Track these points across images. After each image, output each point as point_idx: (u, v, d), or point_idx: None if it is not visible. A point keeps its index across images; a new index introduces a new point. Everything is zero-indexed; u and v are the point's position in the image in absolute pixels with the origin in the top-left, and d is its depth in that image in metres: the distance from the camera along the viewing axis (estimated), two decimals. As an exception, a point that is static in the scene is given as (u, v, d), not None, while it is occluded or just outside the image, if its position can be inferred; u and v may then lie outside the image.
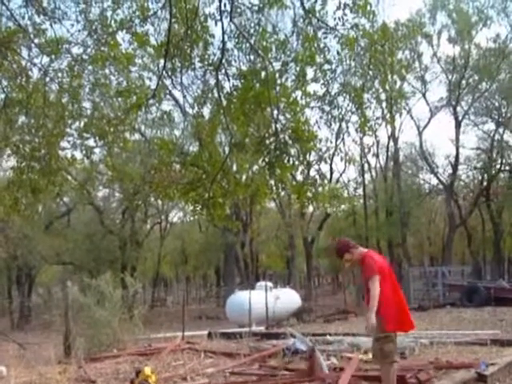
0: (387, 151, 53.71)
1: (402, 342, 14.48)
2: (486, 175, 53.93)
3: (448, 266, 44.63)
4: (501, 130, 51.97)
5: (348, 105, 15.27)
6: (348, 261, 8.56)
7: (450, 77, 49.37)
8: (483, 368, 10.66)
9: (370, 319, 8.05)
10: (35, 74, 14.08)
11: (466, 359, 12.52)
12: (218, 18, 9.77)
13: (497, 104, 50.87)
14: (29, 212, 18.15)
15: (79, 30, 13.63)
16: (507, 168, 54.24)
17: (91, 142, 19.24)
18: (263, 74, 10.65)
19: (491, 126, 52.79)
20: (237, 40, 11.37)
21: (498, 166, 54.25)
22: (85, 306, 18.24)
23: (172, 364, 14.19)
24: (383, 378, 8.61)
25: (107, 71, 15.69)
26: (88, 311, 18.04)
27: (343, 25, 10.82)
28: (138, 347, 17.55)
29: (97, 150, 22.60)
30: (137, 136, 35.39)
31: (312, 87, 18.75)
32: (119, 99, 15.36)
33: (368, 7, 10.85)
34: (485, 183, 53.83)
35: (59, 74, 13.95)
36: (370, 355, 9.34)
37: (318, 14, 10.70)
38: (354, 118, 14.21)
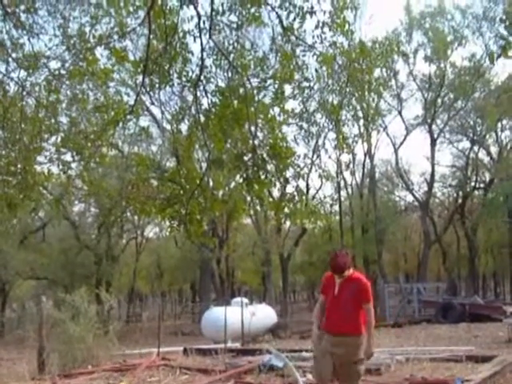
0: (363, 168, 54.02)
1: (377, 359, 14.54)
2: (460, 193, 54.43)
3: (423, 283, 44.87)
4: (476, 148, 52.62)
5: (325, 122, 15.40)
6: (343, 277, 8.37)
7: (425, 95, 49.83)
8: (458, 384, 10.72)
9: (372, 346, 8.37)
10: (12, 88, 14.02)
11: (441, 376, 12.59)
12: (197, 34, 9.78)
13: (472, 122, 51.43)
14: (4, 227, 18.04)
15: (57, 45, 13.64)
16: (482, 186, 54.82)
17: (68, 157, 19.19)
18: (241, 90, 10.69)
19: (466, 144, 53.55)
20: (215, 57, 11.40)
21: (473, 184, 54.88)
22: (59, 321, 18.09)
23: (147, 380, 14.13)
24: None
25: (85, 86, 15.68)
26: (62, 327, 17.89)
27: (321, 43, 10.89)
28: (112, 363, 17.44)
29: (73, 165, 22.46)
30: (114, 151, 35.37)
31: (290, 104, 18.89)
32: (97, 114, 15.34)
33: (346, 26, 10.96)
34: (460, 201, 54.34)
35: (36, 89, 13.88)
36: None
37: (296, 32, 10.74)
38: (331, 134, 14.32)
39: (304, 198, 12.62)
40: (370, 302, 8.33)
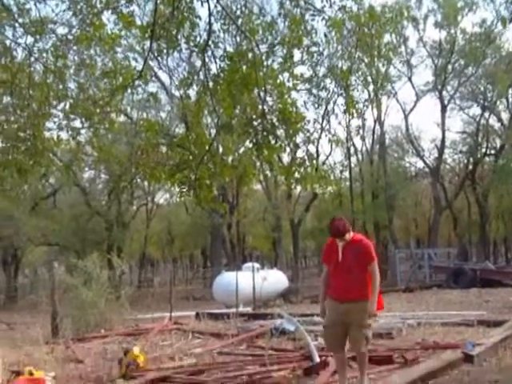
0: (373, 134, 53.78)
1: (389, 323, 14.66)
2: (471, 159, 54.17)
3: (434, 248, 44.86)
4: (486, 115, 52.24)
5: (335, 87, 15.32)
6: (344, 240, 8.27)
7: (436, 61, 49.42)
8: (470, 348, 10.77)
9: (375, 304, 8.19)
10: (20, 54, 14.01)
11: (453, 340, 12.68)
12: (205, -1, 9.73)
13: (482, 88, 51.03)
14: (14, 193, 18.13)
15: (64, 10, 13.58)
16: (492, 152, 54.54)
17: (77, 123, 19.20)
18: (250, 55, 10.63)
19: (477, 110, 53.18)
20: (223, 21, 11.32)
21: (484, 150, 54.56)
22: (71, 286, 18.26)
23: (160, 344, 14.28)
24: (364, 363, 8.57)
25: (92, 52, 15.66)
26: (75, 292, 18.07)
27: (330, 7, 10.81)
28: (125, 327, 17.63)
29: (83, 131, 22.47)
30: (123, 117, 35.37)
31: (299, 69, 18.76)
32: (105, 80, 15.30)
33: (355, -11, 10.88)
34: (470, 167, 54.07)
35: (44, 55, 13.83)
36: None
37: (304, -4, 10.69)
38: (341, 100, 14.25)
39: (314, 162, 12.61)
40: (374, 261, 8.26)
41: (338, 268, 8.32)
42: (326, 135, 15.23)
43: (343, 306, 8.18)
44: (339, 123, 44.16)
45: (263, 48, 12.96)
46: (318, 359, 10.37)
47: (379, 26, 11.86)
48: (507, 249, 73.67)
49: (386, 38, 20.15)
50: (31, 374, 9.74)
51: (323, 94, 14.04)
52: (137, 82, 14.92)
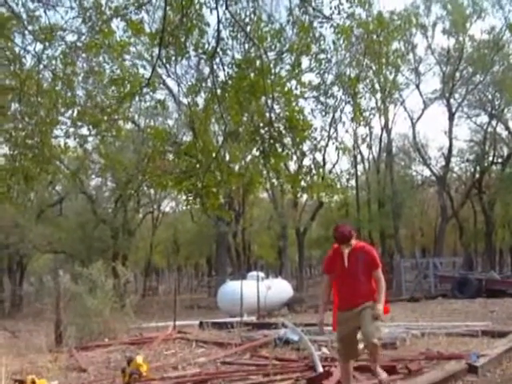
0: (380, 142, 53.76)
1: (393, 333, 14.56)
2: (478, 167, 54.04)
3: (440, 258, 44.75)
4: (494, 123, 52.12)
5: (342, 94, 15.27)
6: (350, 247, 8.20)
7: (443, 69, 49.38)
8: (474, 359, 10.69)
9: (382, 304, 8.08)
10: (29, 61, 14.03)
11: (457, 350, 12.57)
12: (214, 6, 9.70)
13: (490, 96, 50.93)
14: (21, 200, 18.12)
15: (73, 17, 13.53)
16: (500, 160, 54.41)
17: (84, 131, 19.21)
18: (258, 63, 10.61)
19: (484, 118, 53.03)
20: (232, 29, 11.31)
21: (491, 159, 54.46)
22: (76, 294, 18.24)
23: (163, 353, 14.22)
24: (377, 353, 8.46)
25: (101, 59, 15.66)
26: (79, 300, 18.03)
27: (339, 14, 10.80)
28: (129, 336, 17.59)
29: (90, 139, 22.50)
30: (130, 125, 35.39)
31: (307, 77, 18.74)
32: (113, 87, 15.30)
33: (363, -3, 10.85)
34: (477, 175, 53.96)
35: (53, 62, 13.85)
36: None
37: (313, 3, 10.65)
38: (348, 108, 14.20)
39: (321, 170, 12.56)
40: (379, 267, 8.26)
41: (344, 276, 8.27)
42: (333, 143, 15.23)
43: (352, 311, 8.18)
44: (346, 131, 44.12)
45: (271, 55, 12.94)
46: (321, 369, 10.30)
47: (387, 34, 11.82)
48: (513, 258, 73.51)
49: (395, 45, 20.16)
50: (34, 382, 9.71)
51: (331, 101, 14.04)
52: (145, 90, 14.92)
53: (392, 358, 11.61)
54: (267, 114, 10.80)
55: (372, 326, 8.05)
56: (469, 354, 11.15)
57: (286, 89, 11.95)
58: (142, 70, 20.99)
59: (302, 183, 11.51)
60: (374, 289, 8.23)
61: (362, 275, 8.18)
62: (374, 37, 11.17)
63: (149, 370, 10.95)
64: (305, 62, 13.99)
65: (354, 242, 8.26)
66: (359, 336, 8.43)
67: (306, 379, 9.92)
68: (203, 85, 12.91)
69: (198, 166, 11.67)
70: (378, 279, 8.19)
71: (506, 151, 53.53)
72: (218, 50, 10.32)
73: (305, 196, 34.89)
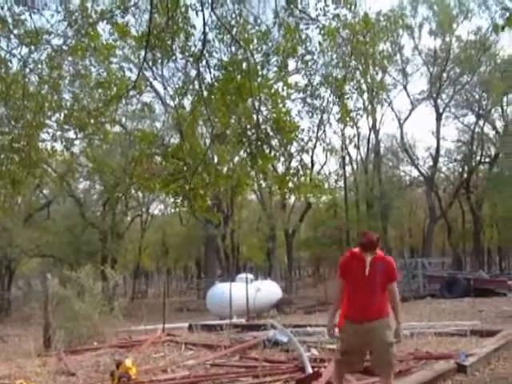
0: (368, 143, 54.05)
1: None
2: (466, 167, 54.29)
3: (428, 258, 44.86)
4: (481, 123, 52.39)
5: (330, 96, 15.28)
6: (374, 255, 7.71)
7: (431, 69, 49.64)
8: (463, 358, 10.72)
9: (401, 326, 7.87)
10: (14, 64, 13.96)
11: (446, 350, 12.60)
12: (199, 8, 9.71)
13: (477, 96, 51.20)
14: (8, 204, 18.04)
15: (59, 21, 13.53)
16: (487, 160, 54.65)
17: (71, 134, 19.15)
18: (244, 65, 10.60)
19: (472, 118, 53.40)
20: (218, 31, 11.31)
21: (478, 158, 54.68)
22: (65, 298, 18.15)
23: (152, 356, 14.16)
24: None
25: (87, 62, 15.62)
26: (68, 304, 17.95)
27: (325, 15, 10.80)
28: (118, 339, 17.52)
29: (77, 142, 22.43)
30: (117, 128, 35.34)
31: (294, 78, 18.74)
32: (99, 90, 15.27)
33: (349, -2, 10.85)
34: (465, 175, 54.20)
35: (39, 65, 13.83)
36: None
37: (299, 5, 10.66)
38: (336, 109, 14.21)
39: (308, 172, 12.57)
40: (396, 280, 7.85)
41: (362, 284, 7.69)
42: (321, 144, 15.25)
43: (364, 326, 7.61)
44: (334, 132, 44.23)
45: (258, 57, 12.93)
46: (310, 370, 10.29)
47: (373, 35, 11.84)
48: (501, 258, 73.81)
49: (381, 46, 20.19)
50: (22, 386, 9.65)
51: (318, 102, 14.05)
52: (131, 93, 14.90)
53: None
54: (254, 116, 10.79)
55: (387, 355, 7.66)
56: (458, 354, 11.19)
57: (272, 90, 11.96)
58: (128, 73, 21.00)
59: (290, 184, 11.53)
60: (386, 301, 7.79)
61: (379, 286, 7.70)
62: (361, 38, 11.20)
63: (138, 373, 10.91)
64: (292, 63, 14.05)
65: (378, 250, 7.82)
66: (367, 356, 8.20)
67: (296, 380, 9.90)
68: (190, 87, 12.90)
69: (185, 168, 11.64)
70: (393, 293, 7.77)
71: (493, 151, 53.82)
72: (205, 52, 10.31)
73: (293, 197, 34.81)
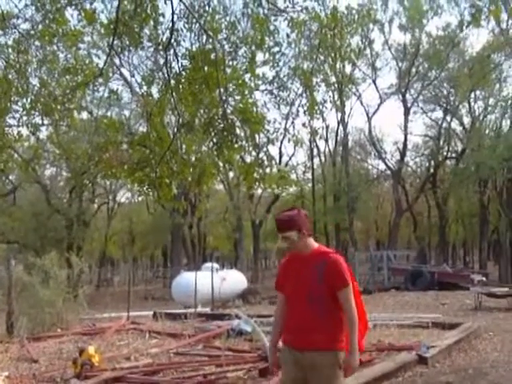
0: (336, 136, 54.22)
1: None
2: (432, 162, 54.70)
3: (394, 251, 45.16)
4: (448, 118, 52.77)
5: (297, 88, 15.36)
6: (288, 241, 5.29)
7: (400, 64, 49.90)
8: (424, 350, 10.90)
9: (356, 354, 5.08)
10: (-19, 49, 13.83)
11: (408, 341, 12.77)
12: (168, -3, 9.69)
13: (445, 92, 51.56)
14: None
15: (26, 5, 13.40)
16: (453, 155, 55.10)
17: (38, 120, 19.01)
18: (212, 55, 10.61)
19: (439, 113, 53.86)
20: (186, 20, 11.30)
21: (445, 154, 55.10)
22: (29, 285, 18.05)
23: (116, 344, 14.19)
24: None
25: (55, 48, 15.49)
26: (32, 290, 17.86)
27: (293, 7, 10.83)
28: (82, 327, 17.50)
29: (43, 128, 22.28)
30: (85, 115, 35.13)
31: (263, 70, 18.76)
32: (67, 77, 15.17)
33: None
34: (431, 170, 54.57)
35: (6, 50, 13.70)
36: None
37: (268, -4, 10.71)
38: (305, 101, 14.28)
39: (273, 163, 12.64)
40: (347, 286, 5.13)
41: (293, 296, 5.32)
42: (287, 136, 15.34)
43: (305, 356, 5.13)
44: (303, 125, 44.40)
45: (226, 47, 12.93)
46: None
47: (341, 28, 11.90)
48: (465, 252, 74.73)
49: (351, 40, 20.32)
50: (-16, 372, 9.62)
51: (284, 94, 14.12)
52: (100, 80, 14.83)
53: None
54: (221, 106, 10.82)
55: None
56: (419, 346, 11.36)
57: (240, 81, 11.99)
58: (96, 60, 20.88)
59: (255, 175, 11.58)
60: (338, 322, 5.19)
61: (320, 297, 5.13)
62: (328, 30, 11.26)
63: (101, 360, 10.92)
64: (260, 55, 14.08)
65: (299, 241, 5.31)
66: None
67: (259, 370, 9.99)
68: (158, 75, 12.89)
69: (151, 156, 11.64)
70: (345, 308, 5.12)
71: (460, 146, 54.21)
72: (173, 41, 10.30)
73: (260, 189, 34.91)
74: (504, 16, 35.23)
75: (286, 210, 5.63)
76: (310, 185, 55.81)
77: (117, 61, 28.60)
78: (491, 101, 49.78)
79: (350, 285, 5.19)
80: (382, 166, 56.43)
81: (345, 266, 5.23)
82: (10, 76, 13.95)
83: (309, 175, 55.05)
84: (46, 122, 18.94)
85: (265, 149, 12.73)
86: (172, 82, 10.77)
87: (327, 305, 5.12)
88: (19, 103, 16.56)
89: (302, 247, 5.33)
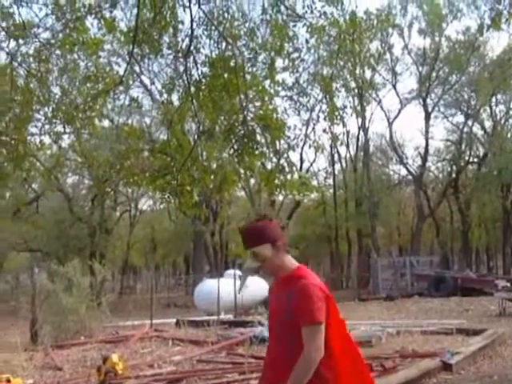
0: (357, 141, 54.08)
1: (369, 331, 14.65)
2: (454, 167, 54.36)
3: (416, 256, 44.90)
4: (470, 123, 52.43)
5: (317, 93, 15.34)
6: (260, 258, 4.14)
7: (420, 69, 49.69)
8: (448, 357, 10.81)
9: None
10: (2, 58, 13.99)
11: (432, 348, 12.69)
12: (187, 4, 9.73)
13: (466, 96, 51.24)
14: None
15: (47, 15, 13.51)
16: (475, 160, 54.75)
17: (59, 128, 19.16)
18: (232, 61, 10.63)
19: (460, 118, 53.42)
20: (205, 27, 11.32)
21: (467, 158, 54.77)
22: (52, 293, 18.16)
23: (140, 351, 14.23)
24: None
25: (75, 56, 15.61)
26: (55, 298, 17.96)
27: (312, 13, 10.84)
28: (105, 334, 17.56)
29: (65, 136, 22.43)
30: (106, 123, 35.29)
31: (282, 76, 18.76)
32: (87, 85, 15.26)
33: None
34: (453, 175, 54.25)
35: (27, 59, 13.81)
36: None
37: (286, 2, 10.70)
38: (324, 106, 14.27)
39: (294, 169, 12.63)
40: (311, 323, 3.89)
41: (270, 329, 4.47)
42: (307, 142, 15.33)
43: None
44: (324, 130, 44.33)
45: (245, 54, 12.95)
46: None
47: (360, 33, 11.88)
48: (489, 257, 74.04)
49: (371, 45, 20.31)
50: (9, 381, 9.66)
51: (304, 100, 14.13)
52: (120, 88, 14.91)
53: (367, 356, 11.69)
54: (241, 113, 10.83)
55: None
56: (443, 352, 11.27)
57: (260, 87, 12.00)
58: (116, 68, 20.98)
59: (276, 181, 11.57)
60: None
61: (286, 332, 4.08)
62: (347, 36, 11.23)
63: (125, 368, 10.94)
64: (280, 61, 14.09)
65: (273, 259, 4.15)
66: None
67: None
68: (178, 83, 12.92)
69: (172, 164, 11.67)
70: (304, 348, 3.89)
71: (481, 151, 53.88)
72: (192, 48, 10.33)
73: (281, 195, 34.88)
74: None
75: (255, 219, 4.42)
76: (331, 191, 55.65)
77: (137, 68, 28.78)
78: (512, 104, 49.53)
79: (318, 323, 3.90)
80: (404, 172, 56.24)
81: (314, 298, 3.92)
82: (31, 85, 14.08)
83: (330, 181, 54.92)
84: (67, 130, 19.07)
85: (285, 155, 12.73)
86: (192, 89, 10.80)
87: (299, 343, 3.90)
88: (41, 112, 16.75)
89: (277, 267, 4.19)
